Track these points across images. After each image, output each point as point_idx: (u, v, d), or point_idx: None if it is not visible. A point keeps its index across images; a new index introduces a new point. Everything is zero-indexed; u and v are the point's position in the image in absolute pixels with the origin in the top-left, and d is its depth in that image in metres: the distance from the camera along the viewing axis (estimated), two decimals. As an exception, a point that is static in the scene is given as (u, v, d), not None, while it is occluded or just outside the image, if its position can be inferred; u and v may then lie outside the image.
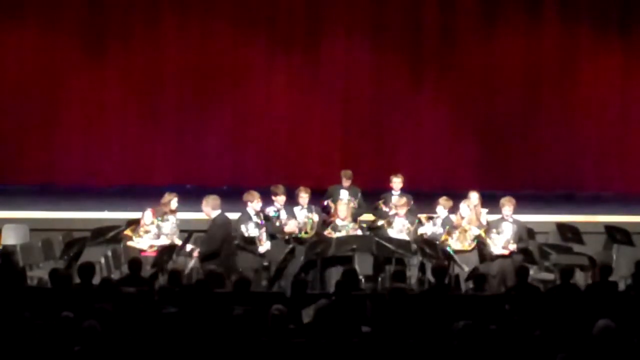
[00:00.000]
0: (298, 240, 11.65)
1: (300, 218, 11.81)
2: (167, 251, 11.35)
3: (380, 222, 12.18)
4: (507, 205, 11.53)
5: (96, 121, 16.63)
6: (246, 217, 11.48)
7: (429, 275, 11.16)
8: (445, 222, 11.84)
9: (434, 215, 12.08)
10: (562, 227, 12.77)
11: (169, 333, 7.04)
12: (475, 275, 10.26)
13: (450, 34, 16.98)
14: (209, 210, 11.12)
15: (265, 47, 16.85)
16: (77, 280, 9.00)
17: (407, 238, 11.72)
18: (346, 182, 12.89)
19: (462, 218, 11.63)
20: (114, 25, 16.55)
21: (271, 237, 11.61)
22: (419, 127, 17.09)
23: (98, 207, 13.84)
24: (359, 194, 12.86)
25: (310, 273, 11.49)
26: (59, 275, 8.96)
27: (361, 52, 16.93)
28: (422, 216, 12.28)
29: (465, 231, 11.46)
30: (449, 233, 11.50)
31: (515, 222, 11.53)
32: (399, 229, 11.82)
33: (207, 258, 10.78)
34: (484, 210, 12.02)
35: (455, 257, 11.25)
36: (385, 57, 16.93)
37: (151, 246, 11.48)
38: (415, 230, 11.80)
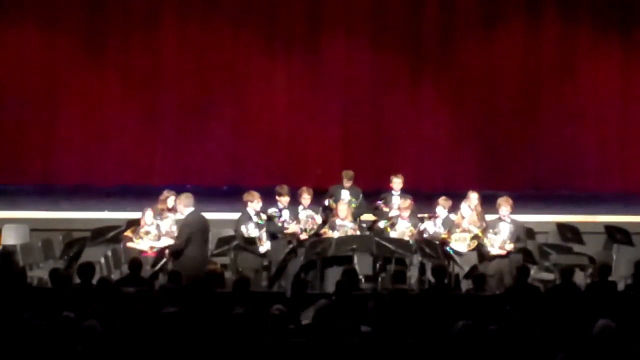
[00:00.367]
0: (299, 240, 11.65)
1: (302, 218, 11.82)
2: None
3: (381, 224, 12.17)
4: (504, 206, 11.52)
5: (96, 121, 16.63)
6: (246, 217, 11.48)
7: (429, 275, 11.16)
8: (445, 222, 11.84)
9: (435, 215, 12.07)
10: (562, 227, 12.77)
11: (169, 333, 7.03)
12: (474, 274, 10.26)
13: (450, 34, 16.98)
14: (182, 208, 10.97)
15: (265, 47, 16.85)
16: (77, 280, 9.00)
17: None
18: (347, 183, 12.88)
19: (463, 218, 11.63)
20: (114, 25, 16.56)
21: (272, 236, 11.62)
22: (419, 127, 17.08)
23: (98, 207, 13.84)
24: (360, 195, 12.86)
25: (310, 273, 11.49)
26: (59, 275, 8.96)
27: (361, 52, 16.92)
28: (424, 215, 12.27)
29: (466, 231, 11.46)
30: (450, 232, 11.50)
31: (513, 222, 11.52)
32: (402, 231, 11.82)
33: (174, 256, 10.67)
34: None
35: (455, 257, 11.26)
36: (385, 57, 16.93)
37: (151, 247, 11.48)
38: (419, 232, 11.80)
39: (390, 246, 11.43)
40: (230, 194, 15.13)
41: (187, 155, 16.79)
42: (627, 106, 17.09)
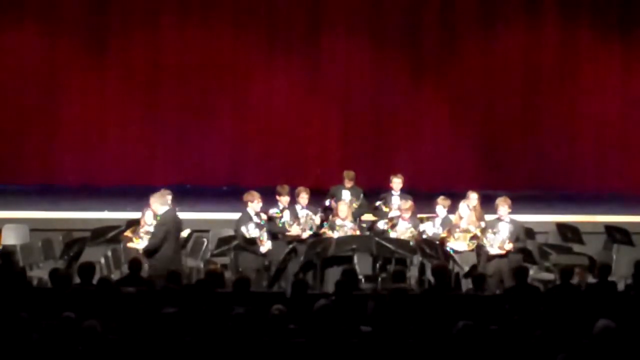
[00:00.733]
0: (300, 240, 11.66)
1: (302, 218, 11.83)
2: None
3: (382, 225, 12.18)
4: (502, 206, 11.52)
5: (96, 121, 16.64)
6: (247, 218, 11.48)
7: (429, 275, 11.16)
8: (445, 221, 11.84)
9: (434, 216, 12.08)
10: (562, 227, 12.77)
11: (169, 333, 7.03)
12: (474, 274, 10.26)
13: (450, 34, 16.98)
14: (158, 206, 10.87)
15: (265, 47, 16.85)
16: (77, 280, 9.00)
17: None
18: (349, 183, 12.88)
19: (461, 218, 11.63)
20: (114, 25, 16.56)
21: (273, 236, 11.63)
22: (419, 127, 17.09)
23: (98, 207, 13.84)
24: (361, 195, 12.87)
25: (310, 273, 11.49)
26: (59, 275, 8.96)
27: (361, 52, 16.93)
28: (422, 216, 12.28)
29: (466, 232, 11.46)
30: (450, 232, 11.50)
31: (512, 222, 11.52)
32: (402, 232, 11.83)
33: (149, 254, 10.62)
34: None
35: (455, 257, 11.26)
36: (385, 57, 16.93)
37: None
38: (419, 233, 11.80)
39: (390, 246, 11.43)
40: (230, 194, 15.13)
41: (187, 155, 16.80)
42: (627, 106, 17.09)
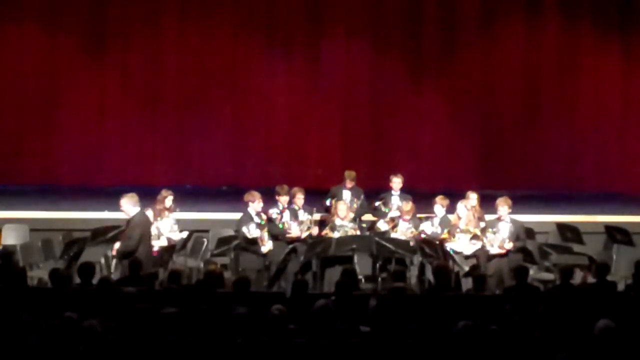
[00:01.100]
0: (299, 241, 11.66)
1: (301, 219, 11.84)
2: (167, 251, 11.36)
3: (384, 226, 12.18)
4: (503, 206, 11.53)
5: (96, 121, 16.64)
6: (247, 218, 11.49)
7: (429, 275, 11.16)
8: (443, 221, 11.85)
9: (432, 215, 12.08)
10: (562, 227, 12.77)
11: (169, 333, 7.04)
12: (474, 273, 10.26)
13: (450, 34, 16.98)
14: (130, 208, 10.81)
15: (265, 48, 16.85)
16: (77, 280, 9.00)
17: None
18: (350, 183, 12.89)
19: (460, 218, 11.64)
20: (114, 25, 16.55)
21: (274, 237, 11.64)
22: (419, 127, 17.09)
23: (98, 207, 13.83)
24: (362, 195, 12.87)
25: (310, 273, 11.50)
26: (59, 275, 8.96)
27: (361, 52, 16.93)
28: (421, 216, 12.29)
29: (466, 232, 11.46)
30: (450, 233, 11.50)
31: (512, 221, 11.53)
32: (402, 232, 11.84)
33: (124, 256, 10.56)
34: None
35: (456, 257, 11.26)
36: (385, 57, 16.93)
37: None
38: (419, 233, 11.81)
39: (390, 246, 11.44)
40: (230, 194, 15.14)
41: (187, 155, 16.80)
42: (627, 106, 17.10)
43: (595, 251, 12.20)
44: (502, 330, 7.38)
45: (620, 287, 10.37)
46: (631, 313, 8.12)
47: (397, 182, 12.77)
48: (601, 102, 17.01)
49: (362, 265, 11.55)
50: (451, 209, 11.93)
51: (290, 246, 11.44)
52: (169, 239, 11.64)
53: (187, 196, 14.15)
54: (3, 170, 16.25)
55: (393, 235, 11.88)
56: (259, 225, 11.52)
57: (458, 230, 11.51)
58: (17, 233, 12.58)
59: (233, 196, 13.45)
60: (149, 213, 11.63)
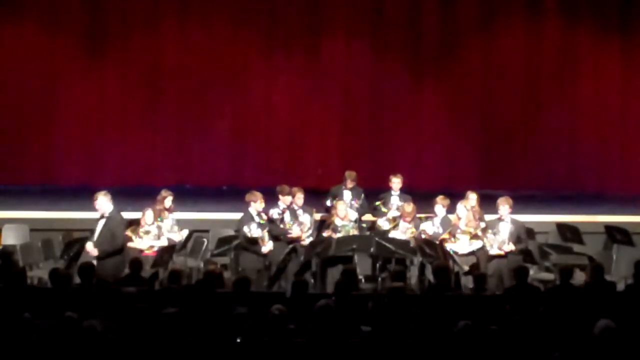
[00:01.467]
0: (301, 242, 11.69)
1: (301, 219, 11.85)
2: (167, 251, 11.36)
3: (384, 224, 12.18)
4: (503, 205, 11.53)
5: (96, 121, 16.63)
6: (248, 218, 11.50)
7: (429, 275, 11.16)
8: (444, 221, 11.85)
9: (432, 215, 12.08)
10: (562, 227, 12.77)
11: (169, 333, 7.04)
12: (474, 272, 10.26)
13: (450, 34, 16.97)
14: (107, 204, 10.85)
15: (265, 47, 16.84)
16: (77, 280, 9.00)
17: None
18: (350, 184, 12.89)
19: (459, 219, 11.63)
20: (114, 25, 16.54)
21: (275, 238, 11.64)
22: (419, 127, 17.08)
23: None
24: (362, 196, 12.87)
25: (310, 273, 11.50)
26: (59, 275, 8.96)
27: (361, 52, 16.92)
28: (422, 216, 12.29)
29: (466, 232, 11.46)
30: (451, 234, 11.50)
31: (513, 222, 11.52)
32: (402, 231, 11.84)
33: (108, 255, 10.60)
34: None
35: (456, 257, 11.26)
36: (385, 57, 16.92)
37: (151, 247, 11.48)
38: (419, 233, 11.81)
39: (390, 246, 11.43)
40: (230, 194, 15.14)
41: (187, 155, 16.80)
42: (627, 106, 17.09)
43: (595, 251, 12.19)
44: (502, 330, 7.38)
45: (620, 287, 10.35)
46: (631, 313, 8.12)
47: (396, 182, 12.77)
48: (601, 102, 17.00)
49: (362, 265, 11.55)
50: (451, 209, 11.93)
51: (290, 246, 11.44)
52: (169, 240, 11.65)
53: (187, 196, 14.15)
54: (3, 170, 16.25)
55: (393, 232, 11.88)
56: (260, 225, 11.52)
57: (459, 231, 11.51)
58: (17, 233, 12.59)
59: (233, 196, 13.45)
60: (149, 213, 11.65)
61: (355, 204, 12.66)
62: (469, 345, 6.72)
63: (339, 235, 11.70)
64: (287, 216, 11.83)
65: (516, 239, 11.45)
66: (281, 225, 11.76)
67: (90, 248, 10.75)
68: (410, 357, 7.03)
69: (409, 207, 12.02)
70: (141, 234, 11.57)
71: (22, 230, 12.65)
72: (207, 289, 8.48)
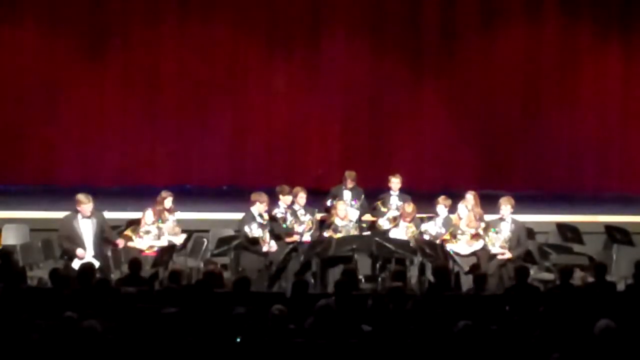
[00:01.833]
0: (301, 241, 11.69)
1: (302, 219, 11.85)
2: (167, 251, 11.37)
3: (385, 223, 12.18)
4: (505, 205, 11.53)
5: (96, 121, 16.62)
6: (250, 218, 11.50)
7: (429, 275, 11.16)
8: (446, 221, 11.85)
9: (434, 215, 12.08)
10: (562, 227, 12.78)
11: (169, 333, 7.04)
12: (474, 272, 10.25)
13: (450, 34, 16.96)
14: (90, 208, 11.04)
15: (265, 48, 16.84)
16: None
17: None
18: (350, 184, 12.90)
19: (460, 219, 11.64)
20: (114, 25, 16.54)
21: (276, 237, 11.64)
22: (419, 127, 17.08)
23: (98, 207, 13.81)
24: (362, 196, 12.87)
25: (310, 273, 11.50)
26: (59, 275, 8.96)
27: (361, 52, 16.91)
28: (423, 216, 12.29)
29: (466, 234, 11.46)
30: (452, 234, 11.50)
31: (514, 222, 11.52)
32: (403, 230, 11.85)
33: (67, 254, 10.74)
34: None
35: (456, 257, 11.26)
36: (385, 57, 16.92)
37: (151, 247, 11.49)
38: (420, 233, 11.81)
39: (390, 246, 11.43)
40: (230, 194, 15.13)
41: (187, 156, 16.79)
42: (627, 106, 17.09)
43: (595, 251, 12.20)
44: (502, 330, 7.38)
45: (620, 287, 10.36)
46: (631, 313, 8.12)
47: (395, 183, 12.77)
48: (601, 102, 16.99)
49: (362, 265, 11.55)
50: (453, 209, 11.93)
51: (291, 246, 11.44)
52: (169, 241, 11.64)
53: (187, 196, 14.15)
54: (3, 170, 16.25)
55: (393, 231, 11.88)
56: (261, 225, 11.53)
57: (459, 231, 11.51)
58: (17, 233, 12.58)
59: (233, 196, 13.46)
60: (149, 213, 11.65)
61: (356, 204, 12.66)
62: (469, 345, 6.72)
63: (339, 235, 11.70)
64: (288, 216, 11.83)
65: (516, 240, 11.44)
66: (283, 225, 11.76)
67: (81, 253, 10.76)
68: (410, 357, 7.03)
69: (409, 207, 12.03)
70: (141, 234, 11.57)
71: (22, 230, 12.65)
72: (207, 289, 8.48)
